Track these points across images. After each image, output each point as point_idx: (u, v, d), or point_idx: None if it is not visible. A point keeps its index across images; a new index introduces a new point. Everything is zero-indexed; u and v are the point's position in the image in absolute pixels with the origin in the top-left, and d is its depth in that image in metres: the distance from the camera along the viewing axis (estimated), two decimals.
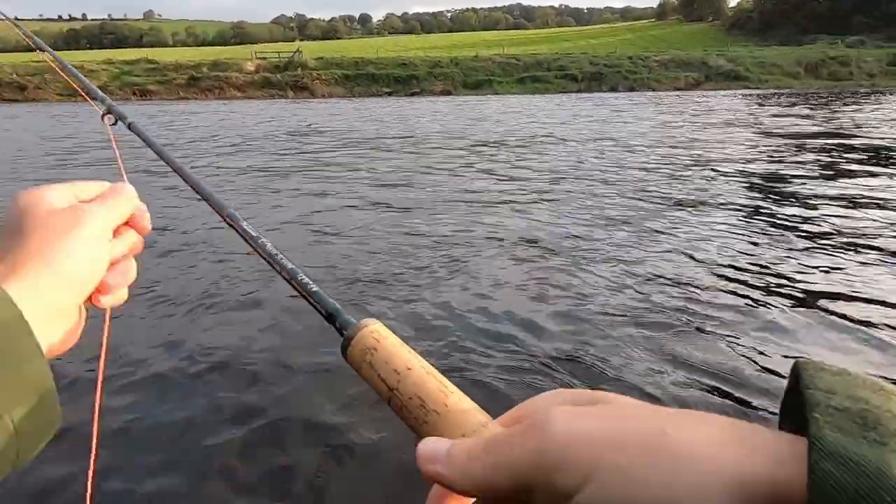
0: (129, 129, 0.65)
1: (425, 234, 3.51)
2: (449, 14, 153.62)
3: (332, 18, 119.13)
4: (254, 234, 0.45)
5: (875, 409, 0.20)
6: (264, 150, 7.93)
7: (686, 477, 0.19)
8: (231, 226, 0.48)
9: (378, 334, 0.32)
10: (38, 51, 0.90)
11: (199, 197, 0.52)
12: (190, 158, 7.23)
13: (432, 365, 0.30)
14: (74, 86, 0.74)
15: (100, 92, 0.71)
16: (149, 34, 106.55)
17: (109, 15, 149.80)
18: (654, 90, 32.83)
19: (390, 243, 3.32)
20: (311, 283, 0.39)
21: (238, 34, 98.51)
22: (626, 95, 27.31)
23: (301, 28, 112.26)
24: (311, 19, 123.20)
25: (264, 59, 39.73)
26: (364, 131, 10.62)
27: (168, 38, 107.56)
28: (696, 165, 6.11)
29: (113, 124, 0.66)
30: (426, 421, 0.27)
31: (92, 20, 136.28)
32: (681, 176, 5.53)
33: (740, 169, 5.92)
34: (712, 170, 5.84)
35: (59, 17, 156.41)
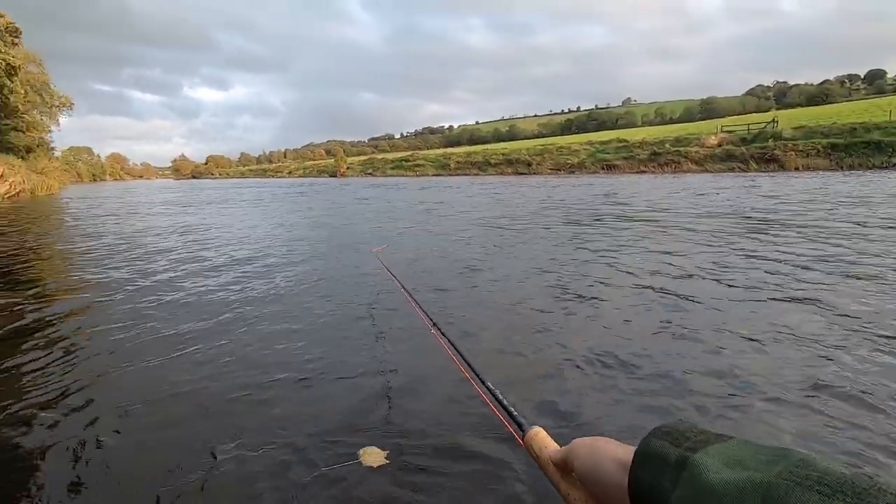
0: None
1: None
2: None
3: (824, 81, 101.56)
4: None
5: (687, 431, 0.40)
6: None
7: (603, 455, 0.45)
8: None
9: (537, 432, 0.62)
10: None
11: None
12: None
13: None
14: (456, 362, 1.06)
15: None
16: (623, 117, 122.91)
17: (596, 105, 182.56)
18: None
19: None
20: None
21: (706, 109, 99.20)
22: None
23: (779, 96, 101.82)
24: (794, 85, 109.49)
25: (730, 132, 38.39)
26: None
27: (638, 120, 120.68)
28: None
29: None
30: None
31: (582, 111, 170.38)
32: None
33: None
34: None
35: (562, 110, 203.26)
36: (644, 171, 35.69)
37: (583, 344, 2.79)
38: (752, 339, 2.78)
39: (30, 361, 2.69)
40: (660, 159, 36.46)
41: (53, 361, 2.69)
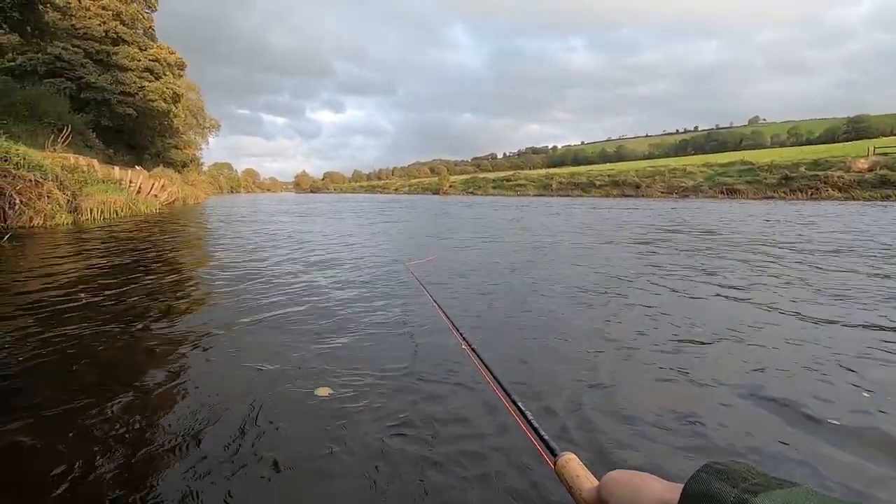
0: None
1: None
2: None
3: None
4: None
5: (743, 471, 0.36)
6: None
7: (645, 494, 0.41)
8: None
9: (569, 459, 0.58)
10: None
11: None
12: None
13: None
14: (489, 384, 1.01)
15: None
16: (749, 138, 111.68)
17: (717, 125, 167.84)
18: None
19: None
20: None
21: (853, 129, 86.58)
22: None
23: None
24: None
25: (884, 154, 33.16)
26: None
27: (766, 141, 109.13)
28: None
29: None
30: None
31: (701, 131, 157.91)
32: None
33: None
34: None
35: (676, 130, 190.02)
36: (772, 197, 32.09)
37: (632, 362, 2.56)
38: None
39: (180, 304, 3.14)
40: (792, 184, 32.54)
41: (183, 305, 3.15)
